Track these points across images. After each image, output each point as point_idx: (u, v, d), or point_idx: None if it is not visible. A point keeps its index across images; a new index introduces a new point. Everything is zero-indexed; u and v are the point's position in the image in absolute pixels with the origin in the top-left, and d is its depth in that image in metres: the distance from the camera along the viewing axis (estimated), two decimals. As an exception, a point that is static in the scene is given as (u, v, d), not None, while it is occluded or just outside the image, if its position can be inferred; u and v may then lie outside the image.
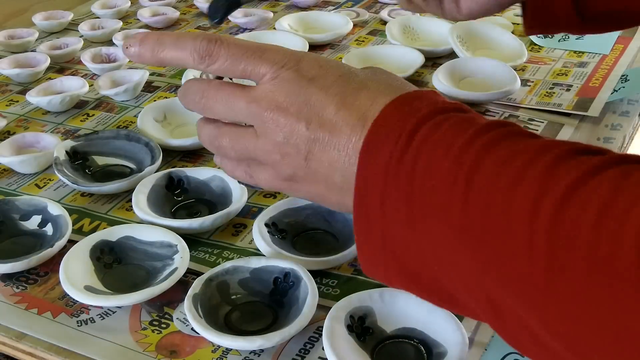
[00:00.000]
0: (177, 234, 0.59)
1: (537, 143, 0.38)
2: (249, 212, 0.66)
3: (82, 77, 0.90)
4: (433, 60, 0.93)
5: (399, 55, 0.92)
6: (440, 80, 0.82)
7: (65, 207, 0.64)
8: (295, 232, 0.62)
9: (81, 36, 1.03)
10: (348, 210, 0.44)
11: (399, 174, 0.39)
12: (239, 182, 0.55)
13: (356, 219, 0.42)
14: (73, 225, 0.63)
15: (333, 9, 1.14)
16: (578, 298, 0.32)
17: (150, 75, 0.91)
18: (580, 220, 0.32)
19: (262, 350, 0.51)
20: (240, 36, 0.98)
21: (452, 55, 0.93)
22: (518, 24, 1.05)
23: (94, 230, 0.64)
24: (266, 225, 0.61)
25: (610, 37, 1.00)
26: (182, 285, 0.56)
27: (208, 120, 0.50)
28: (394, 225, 0.40)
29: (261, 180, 0.49)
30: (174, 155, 0.75)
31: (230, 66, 0.46)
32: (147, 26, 1.07)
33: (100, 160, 0.73)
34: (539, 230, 0.33)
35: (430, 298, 0.42)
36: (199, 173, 0.68)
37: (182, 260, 0.57)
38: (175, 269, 0.56)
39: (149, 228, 0.61)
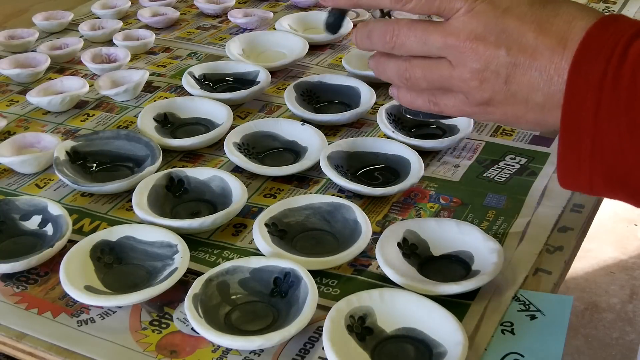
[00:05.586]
0: (177, 234, 0.60)
1: None
2: (249, 212, 0.66)
3: (82, 77, 0.90)
4: (433, 60, 0.93)
5: (399, 55, 0.92)
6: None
7: (65, 207, 0.64)
8: (295, 232, 0.62)
9: (81, 36, 1.03)
10: (545, 127, 0.48)
11: (617, 88, 0.42)
12: (410, 113, 0.57)
13: (563, 132, 0.45)
14: (73, 225, 0.63)
15: (333, 9, 1.14)
16: None
17: (150, 75, 0.91)
18: None
19: (262, 350, 0.51)
20: (240, 36, 0.98)
21: (452, 55, 0.93)
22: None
23: (94, 230, 0.64)
24: (266, 225, 0.61)
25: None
26: (182, 285, 0.56)
27: (391, 56, 0.52)
28: (609, 134, 0.43)
29: (448, 106, 0.52)
30: (174, 155, 0.75)
31: (426, 4, 0.49)
32: (147, 26, 1.07)
33: (101, 160, 0.73)
34: None
35: (636, 201, 0.46)
36: (199, 173, 0.68)
37: (182, 260, 0.57)
38: (175, 269, 0.56)
39: (149, 228, 0.61)
